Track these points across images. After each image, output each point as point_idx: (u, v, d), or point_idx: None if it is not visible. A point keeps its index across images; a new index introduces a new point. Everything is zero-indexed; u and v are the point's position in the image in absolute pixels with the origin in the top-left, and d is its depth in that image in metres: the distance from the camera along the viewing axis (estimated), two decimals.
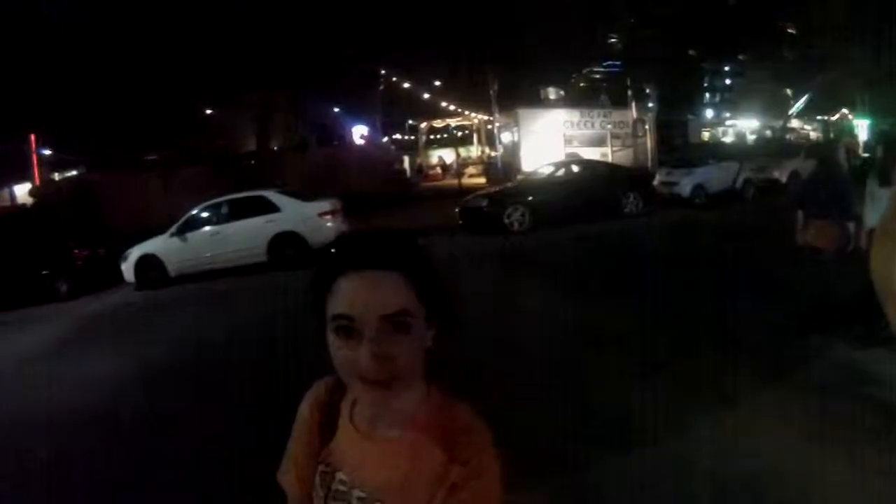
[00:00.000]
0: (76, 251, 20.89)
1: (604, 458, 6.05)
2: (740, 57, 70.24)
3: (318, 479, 1.85)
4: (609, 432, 6.56)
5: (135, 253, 19.76)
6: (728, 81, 75.91)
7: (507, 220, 21.86)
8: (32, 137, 37.13)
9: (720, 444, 6.17)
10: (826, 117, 58.73)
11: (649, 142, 37.57)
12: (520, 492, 2.05)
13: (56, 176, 42.41)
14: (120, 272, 19.91)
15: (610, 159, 33.03)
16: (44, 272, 19.89)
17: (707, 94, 74.89)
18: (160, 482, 6.78)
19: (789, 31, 58.47)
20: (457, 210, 23.23)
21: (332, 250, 1.72)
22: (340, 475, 1.81)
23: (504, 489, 1.70)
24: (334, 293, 1.62)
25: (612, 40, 66.09)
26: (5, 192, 43.55)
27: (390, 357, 1.58)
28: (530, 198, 22.61)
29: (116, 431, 8.21)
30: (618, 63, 63.60)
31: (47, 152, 41.17)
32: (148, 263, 19.64)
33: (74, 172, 42.82)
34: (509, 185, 26.36)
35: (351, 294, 1.59)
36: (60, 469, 7.17)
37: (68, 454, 7.51)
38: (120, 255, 20.12)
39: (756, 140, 52.90)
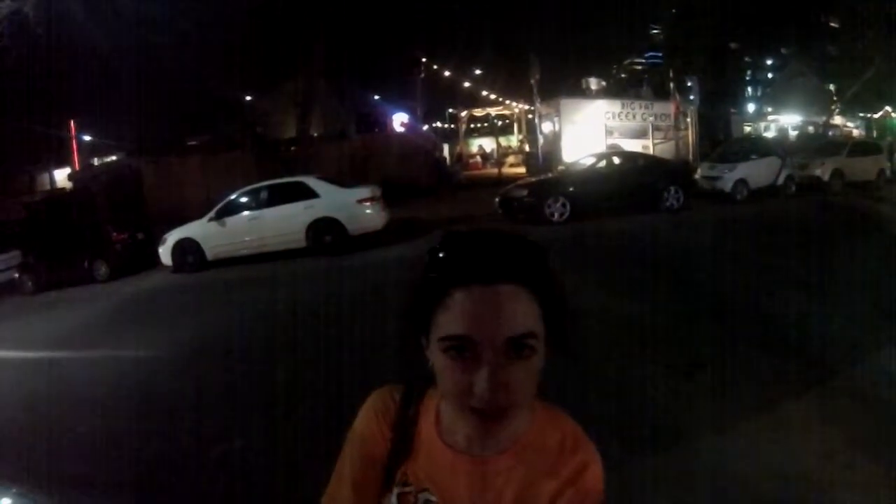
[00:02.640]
0: (115, 235, 21.01)
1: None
2: (782, 50, 69.72)
3: (396, 501, 1.64)
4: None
5: (173, 237, 19.78)
6: (770, 75, 75.35)
7: (547, 211, 21.65)
8: (72, 123, 37.37)
9: None
10: (869, 114, 57.96)
11: (691, 135, 37.19)
12: None
13: (95, 161, 42.70)
14: (157, 256, 19.93)
15: (651, 152, 32.72)
16: (83, 255, 20.03)
17: (749, 88, 74.33)
18: (194, 462, 6.78)
19: (832, 24, 57.90)
20: (497, 199, 23.03)
21: (442, 254, 1.49)
22: (427, 495, 1.62)
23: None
24: (449, 308, 1.42)
25: (655, 31, 65.79)
26: (45, 176, 43.95)
27: (509, 386, 1.40)
28: (571, 188, 22.37)
29: (141, 413, 8.23)
30: (659, 54, 63.33)
31: (87, 138, 41.44)
32: (186, 247, 19.64)
33: (114, 158, 43.09)
34: (550, 175, 26.15)
35: (472, 311, 1.39)
36: (99, 444, 7.24)
37: (107, 431, 7.48)
38: (158, 239, 20.16)
39: (798, 136, 52.33)
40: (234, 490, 6.20)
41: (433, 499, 1.60)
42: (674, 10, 58.54)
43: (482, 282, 1.39)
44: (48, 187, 42.18)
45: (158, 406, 8.46)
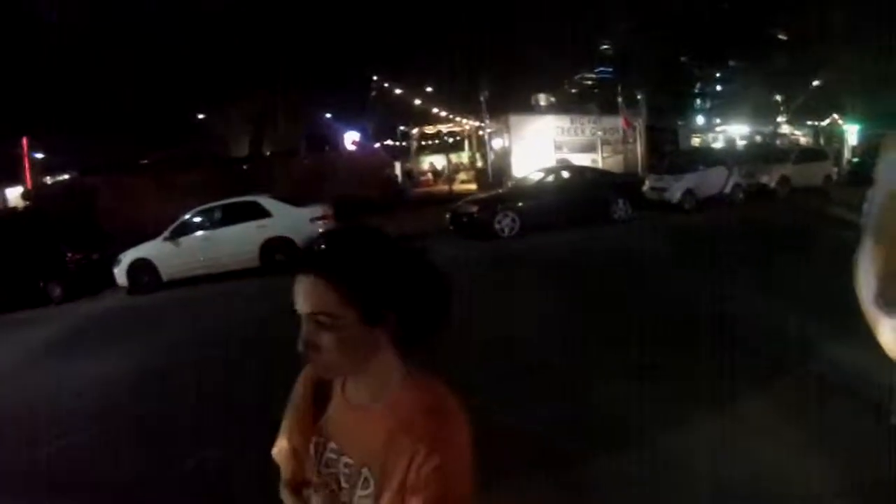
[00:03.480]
0: (69, 255, 20.88)
1: None
2: (731, 63, 70.47)
3: (313, 449, 2.05)
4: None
5: (128, 257, 19.86)
6: (718, 87, 76.01)
7: (497, 226, 22.01)
8: (24, 140, 37.09)
9: None
10: (817, 122, 58.83)
11: (639, 148, 37.70)
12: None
13: (48, 179, 42.35)
14: (113, 276, 20.00)
15: (600, 165, 33.20)
16: (36, 276, 19.89)
17: (697, 100, 75.02)
18: (153, 482, 6.91)
19: (780, 37, 58.71)
20: (447, 215, 23.36)
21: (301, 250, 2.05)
22: (332, 444, 2.01)
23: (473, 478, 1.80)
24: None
25: (604, 47, 66.30)
26: None
27: (318, 347, 1.82)
28: (520, 203, 22.77)
29: (108, 431, 8.36)
30: (609, 69, 63.82)
31: (40, 156, 41.12)
32: (141, 268, 19.76)
33: (67, 176, 42.78)
34: (500, 190, 26.44)
35: (298, 290, 1.84)
36: (57, 466, 7.34)
37: (66, 452, 7.65)
38: (113, 260, 20.21)
39: (746, 145, 52.99)
40: None
41: (335, 447, 2.00)
42: (624, 25, 59.11)
43: (297, 271, 1.84)
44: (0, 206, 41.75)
45: (116, 425, 8.63)
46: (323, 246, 1.89)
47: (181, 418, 8.53)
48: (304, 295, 1.82)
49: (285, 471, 2.14)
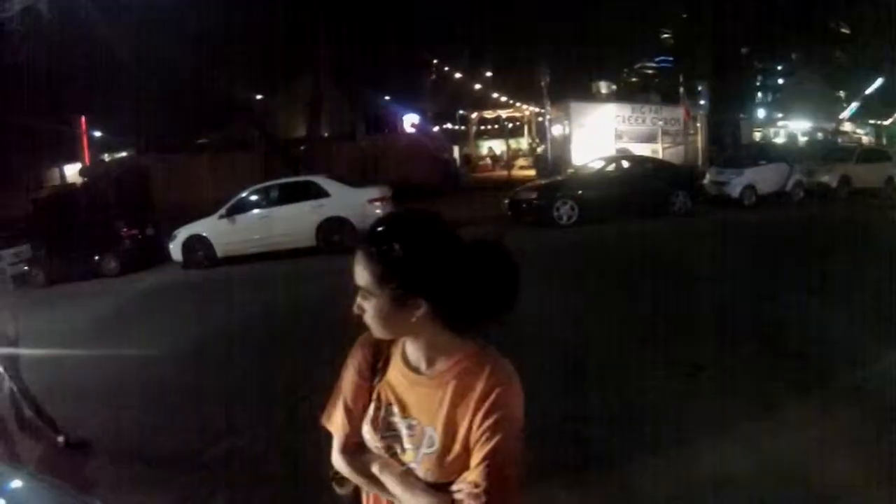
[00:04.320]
0: (124, 230, 21.07)
1: None
2: (793, 56, 69.59)
3: (372, 413, 2.26)
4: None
5: (183, 233, 19.94)
6: (780, 81, 75.18)
7: (555, 213, 21.76)
8: (83, 119, 37.48)
9: None
10: (879, 121, 57.82)
11: (700, 140, 37.26)
12: None
13: (106, 157, 42.81)
14: (167, 252, 20.05)
15: (661, 156, 32.79)
16: (92, 250, 20.09)
17: (759, 94, 74.21)
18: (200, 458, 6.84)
19: (843, 31, 57.87)
20: (506, 201, 23.13)
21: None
22: (393, 408, 2.22)
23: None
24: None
25: (665, 35, 65.73)
26: (56, 171, 44.07)
27: (365, 316, 2.10)
28: (579, 192, 22.50)
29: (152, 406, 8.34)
30: (670, 59, 63.27)
31: (98, 134, 41.55)
32: (196, 244, 19.82)
33: (124, 154, 43.19)
34: (559, 178, 26.18)
35: (355, 268, 2.08)
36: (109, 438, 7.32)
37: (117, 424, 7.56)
38: (168, 236, 20.27)
39: (807, 142, 52.25)
40: (239, 483, 6.31)
41: (396, 410, 2.21)
42: (684, 15, 58.55)
43: (360, 250, 2.05)
44: (58, 182, 42.26)
45: (167, 400, 8.54)
46: (379, 228, 2.07)
47: (220, 399, 8.42)
48: (355, 268, 2.07)
49: (339, 434, 2.32)
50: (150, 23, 30.82)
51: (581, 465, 5.92)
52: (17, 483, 2.94)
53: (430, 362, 2.16)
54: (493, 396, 2.02)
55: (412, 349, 2.19)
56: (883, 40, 47.53)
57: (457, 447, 2.07)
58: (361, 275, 2.04)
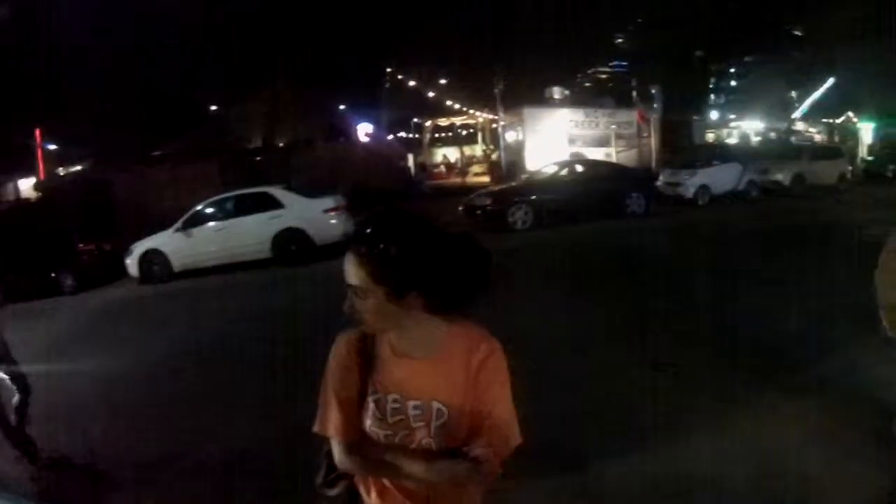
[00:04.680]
0: (81, 245, 21.01)
1: None
2: (746, 58, 70.34)
3: (373, 407, 2.40)
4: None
5: (140, 248, 19.84)
6: (733, 83, 75.89)
7: (510, 219, 21.95)
8: (38, 131, 37.16)
9: None
10: (832, 120, 58.56)
11: (654, 142, 37.62)
12: None
13: (61, 170, 42.44)
14: (125, 267, 19.98)
15: (614, 159, 33.07)
16: (48, 266, 19.88)
17: (712, 96, 74.86)
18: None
19: (795, 33, 58.62)
20: (461, 208, 23.26)
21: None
22: (392, 396, 2.39)
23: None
24: None
25: (619, 40, 66.21)
26: (10, 185, 43.61)
27: (356, 311, 2.29)
28: (534, 196, 22.71)
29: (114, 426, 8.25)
30: (624, 63, 63.75)
31: (53, 147, 41.21)
32: (153, 258, 19.72)
33: (80, 167, 42.85)
34: (514, 183, 26.35)
35: (346, 268, 2.26)
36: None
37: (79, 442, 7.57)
38: (125, 251, 20.21)
39: (760, 142, 52.83)
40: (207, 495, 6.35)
41: (398, 397, 2.38)
42: (640, 20, 58.99)
43: (350, 251, 2.25)
44: (12, 197, 41.81)
45: (127, 414, 8.58)
46: (367, 229, 2.24)
47: (183, 412, 8.47)
48: (346, 269, 2.25)
49: (340, 437, 2.43)
50: (108, 32, 30.73)
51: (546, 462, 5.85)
52: None
53: (425, 344, 2.39)
54: (491, 363, 2.38)
55: (403, 336, 2.40)
56: (835, 41, 48.29)
57: (464, 413, 2.35)
58: (356, 275, 2.22)
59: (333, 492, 2.59)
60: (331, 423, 2.44)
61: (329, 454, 2.54)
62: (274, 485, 5.93)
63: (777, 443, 6.15)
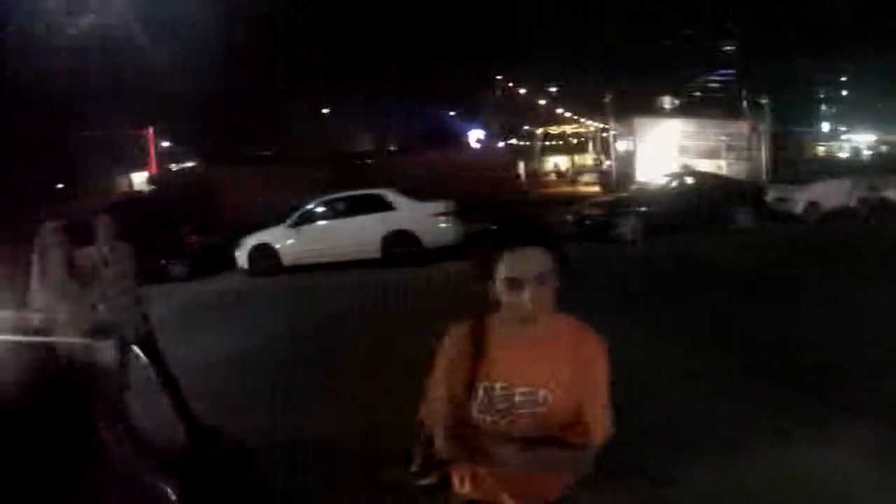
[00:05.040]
0: (192, 237, 21.78)
1: None
2: (857, 68, 68.78)
3: (483, 394, 2.59)
4: None
5: (250, 241, 20.29)
6: (844, 93, 74.26)
7: (619, 230, 21.76)
8: (151, 129, 38.18)
9: None
10: None
11: (764, 155, 36.97)
12: None
13: (173, 167, 43.51)
14: (233, 259, 20.48)
15: (724, 171, 32.57)
16: (158, 255, 20.45)
17: (822, 107, 73.38)
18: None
19: None
20: (570, 217, 23.11)
21: (496, 232, 2.59)
22: (499, 384, 2.59)
23: None
24: (505, 261, 2.48)
25: (728, 48, 65.27)
26: (125, 178, 44.85)
27: (540, 300, 2.48)
28: (643, 208, 22.51)
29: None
30: (731, 71, 62.80)
31: (166, 144, 42.29)
32: (262, 252, 20.18)
33: (190, 164, 43.86)
34: (623, 194, 26.13)
35: (516, 262, 2.47)
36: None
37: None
38: (234, 244, 20.63)
39: (871, 156, 51.50)
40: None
41: (505, 384, 2.58)
42: (749, 26, 58.12)
43: (519, 246, 2.48)
44: (127, 189, 42.99)
45: (235, 400, 8.74)
46: (533, 230, 2.55)
47: (287, 399, 8.68)
48: (533, 261, 2.47)
49: (442, 425, 2.66)
50: (220, 36, 31.25)
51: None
52: None
53: (539, 332, 2.59)
54: (596, 356, 2.61)
55: (523, 325, 2.58)
56: None
57: (568, 402, 2.55)
58: (545, 263, 2.47)
59: (426, 481, 2.80)
60: (437, 411, 2.70)
61: (424, 443, 2.80)
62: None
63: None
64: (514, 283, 2.47)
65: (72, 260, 6.32)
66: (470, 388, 2.61)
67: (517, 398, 2.56)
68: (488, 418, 2.57)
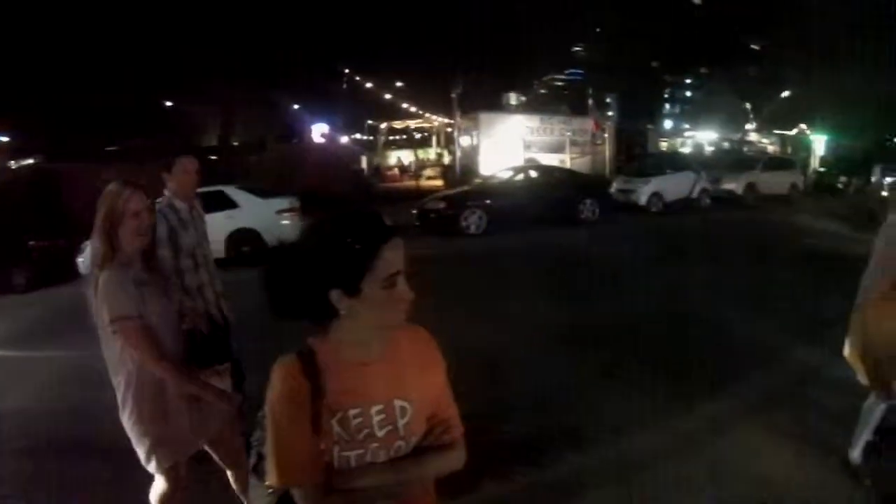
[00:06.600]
0: (32, 242, 20.64)
1: None
2: (702, 70, 71.05)
3: (339, 429, 2.27)
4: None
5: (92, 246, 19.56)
6: (688, 93, 76.60)
7: (464, 223, 22.05)
8: None
9: None
10: (784, 132, 59.30)
11: (608, 150, 37.98)
12: None
13: (13, 164, 41.89)
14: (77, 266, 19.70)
15: (569, 166, 33.28)
16: None
17: (667, 105, 75.53)
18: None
19: (752, 46, 59.33)
20: (414, 211, 23.36)
21: (362, 230, 2.22)
22: (352, 411, 2.29)
23: None
24: (383, 258, 2.18)
25: (576, 49, 66.60)
26: None
27: (407, 296, 2.28)
28: (488, 201, 22.77)
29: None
30: (580, 71, 64.14)
31: (4, 139, 40.75)
32: None
33: (31, 161, 42.34)
34: (467, 188, 26.38)
35: (397, 254, 2.21)
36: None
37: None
38: (78, 248, 19.88)
39: (714, 152, 53.38)
40: None
41: (357, 410, 2.29)
42: (597, 30, 59.43)
43: (391, 238, 2.21)
44: None
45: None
46: (388, 223, 2.27)
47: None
48: (399, 255, 2.23)
49: (310, 484, 2.27)
50: (65, 24, 30.39)
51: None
52: None
53: (379, 345, 2.37)
54: (438, 355, 2.54)
55: (363, 340, 2.33)
56: (790, 56, 49.02)
57: (422, 407, 2.42)
58: (403, 260, 2.25)
59: None
60: (292, 469, 2.25)
61: None
62: None
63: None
64: (393, 279, 2.20)
65: None
66: (320, 428, 2.23)
67: (374, 419, 2.29)
68: (352, 454, 2.28)
